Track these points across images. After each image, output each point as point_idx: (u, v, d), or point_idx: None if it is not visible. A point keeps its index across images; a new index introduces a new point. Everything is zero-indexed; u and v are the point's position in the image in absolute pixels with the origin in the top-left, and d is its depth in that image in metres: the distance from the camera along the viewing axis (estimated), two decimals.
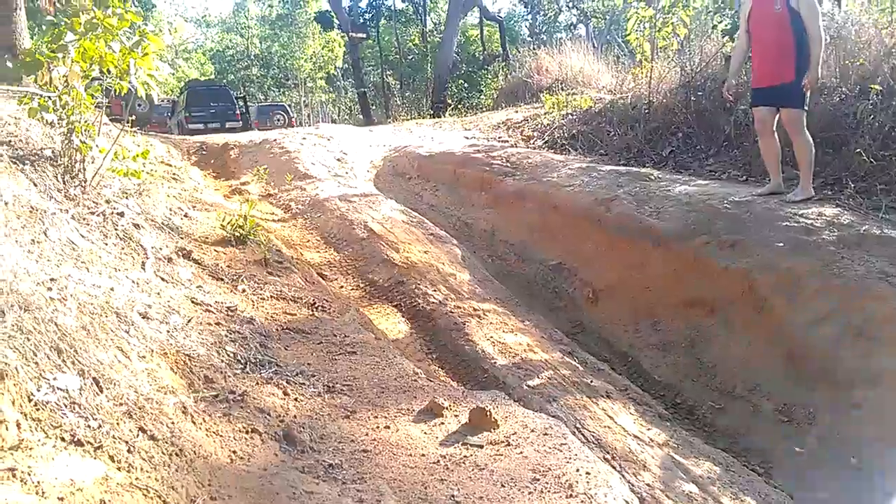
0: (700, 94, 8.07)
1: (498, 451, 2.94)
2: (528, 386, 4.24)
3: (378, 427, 3.05)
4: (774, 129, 5.78)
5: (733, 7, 9.31)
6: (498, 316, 5.45)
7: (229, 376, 3.17)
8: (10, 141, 4.50)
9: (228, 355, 3.39)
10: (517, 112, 12.31)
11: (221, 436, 2.63)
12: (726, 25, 8.50)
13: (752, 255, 5.09)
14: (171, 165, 7.84)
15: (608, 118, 9.06)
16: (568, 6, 32.50)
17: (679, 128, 8.04)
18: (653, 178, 6.64)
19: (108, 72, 4.53)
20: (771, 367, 4.67)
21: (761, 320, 4.88)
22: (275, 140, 10.79)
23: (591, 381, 4.47)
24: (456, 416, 3.17)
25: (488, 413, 3.07)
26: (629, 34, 9.59)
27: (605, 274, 5.99)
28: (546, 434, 3.05)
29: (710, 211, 5.70)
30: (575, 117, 9.86)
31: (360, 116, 28.38)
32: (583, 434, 3.74)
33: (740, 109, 7.32)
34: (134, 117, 6.06)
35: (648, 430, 4.09)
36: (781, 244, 5.02)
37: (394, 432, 3.02)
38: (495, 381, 4.42)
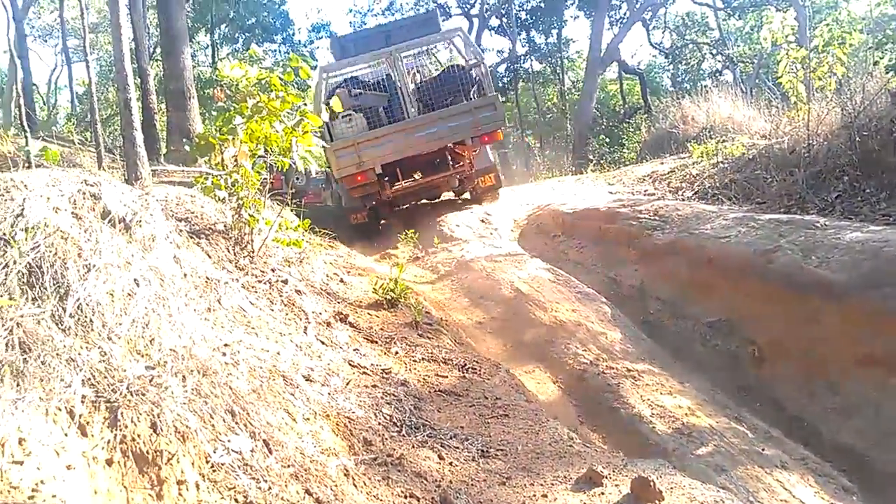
0: (865, 134, 7.50)
1: None
2: (694, 454, 3.99)
3: (535, 496, 2.96)
4: None
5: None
6: (653, 377, 5.22)
7: (386, 439, 3.22)
8: (187, 217, 4.92)
9: (385, 417, 3.45)
10: (662, 164, 11.99)
11: (381, 500, 2.66)
12: (890, 60, 7.89)
13: None
14: (325, 233, 8.28)
15: (763, 164, 8.58)
16: (712, 53, 31.63)
17: (844, 171, 7.47)
18: (819, 225, 6.17)
19: (272, 150, 4.89)
20: None
21: None
22: (420, 203, 11.15)
23: (763, 450, 4.13)
24: (616, 485, 3.02)
25: (652, 484, 2.89)
26: (781, 76, 9.13)
27: (770, 330, 5.58)
28: None
29: (888, 259, 5.20)
30: (726, 165, 9.44)
31: (502, 177, 28.76)
32: None
33: None
34: (294, 190, 6.47)
35: None
36: None
37: (551, 501, 2.91)
38: (655, 447, 4.20)
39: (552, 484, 3.05)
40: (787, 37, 8.81)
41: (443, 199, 11.48)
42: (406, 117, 9.64)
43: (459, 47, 10.99)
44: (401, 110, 9.79)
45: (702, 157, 10.52)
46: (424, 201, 11.98)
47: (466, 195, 11.93)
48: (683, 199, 9.03)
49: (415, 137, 9.47)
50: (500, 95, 10.70)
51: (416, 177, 9.88)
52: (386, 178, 9.72)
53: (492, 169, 10.96)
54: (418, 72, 11.35)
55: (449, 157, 9.90)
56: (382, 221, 11.47)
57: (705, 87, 18.62)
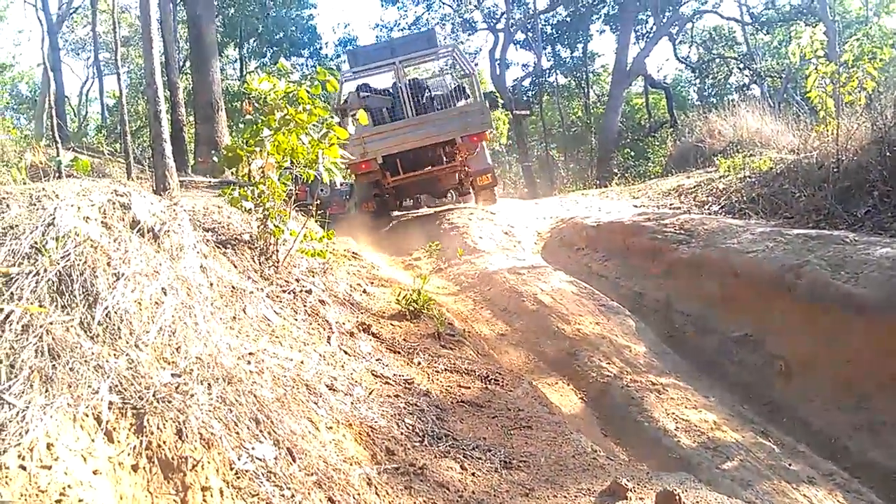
0: None
1: None
2: (719, 469, 3.95)
3: None
4: None
5: None
6: (678, 391, 5.17)
7: (409, 448, 3.22)
8: (214, 227, 4.98)
9: (407, 427, 3.45)
10: (688, 178, 11.90)
11: None
12: None
13: None
14: (349, 244, 8.33)
15: (792, 179, 8.48)
16: (739, 68, 31.43)
17: (874, 186, 7.37)
18: (848, 241, 6.07)
19: (298, 161, 4.93)
20: None
21: None
22: (444, 215, 11.18)
23: (790, 465, 4.07)
24: (641, 499, 2.99)
25: (677, 498, 2.86)
26: (809, 91, 9.03)
27: (797, 346, 5.49)
28: None
29: None
30: (754, 180, 9.35)
31: (526, 190, 28.76)
32: None
33: None
34: (318, 201, 6.54)
35: None
36: None
37: None
38: (679, 461, 4.16)
39: (576, 496, 3.02)
40: (816, 51, 8.72)
41: (462, 212, 11.48)
42: (405, 117, 11.45)
43: (457, 60, 13.30)
44: (402, 111, 11.64)
45: (729, 171, 10.44)
46: (444, 209, 12.32)
47: (469, 204, 13.31)
48: (710, 214, 8.95)
49: (412, 134, 11.17)
50: (487, 102, 12.35)
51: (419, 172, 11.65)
52: (387, 170, 11.43)
53: (489, 170, 12.35)
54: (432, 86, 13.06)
55: (443, 154, 11.59)
56: (392, 222, 12.25)
57: (732, 101, 18.46)
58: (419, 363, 4.61)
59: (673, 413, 4.77)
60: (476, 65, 34.72)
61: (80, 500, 2.05)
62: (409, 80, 12.58)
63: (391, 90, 12.30)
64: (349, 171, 11.28)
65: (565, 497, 3.02)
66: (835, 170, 7.95)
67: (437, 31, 19.86)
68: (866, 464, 4.44)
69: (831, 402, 4.99)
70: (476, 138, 11.36)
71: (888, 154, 7.36)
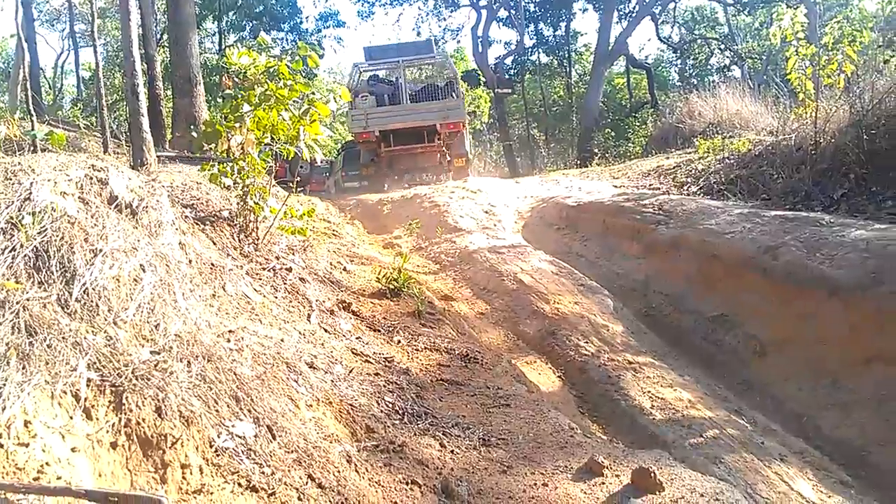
0: (874, 132, 7.47)
1: None
2: (693, 445, 4.01)
3: (535, 484, 2.98)
4: None
5: None
6: (654, 369, 5.24)
7: (389, 426, 3.24)
8: (193, 204, 4.94)
9: (387, 405, 3.47)
10: (668, 158, 11.97)
11: (383, 486, 2.69)
12: None
13: None
14: (329, 222, 8.29)
15: (770, 161, 8.57)
16: (720, 49, 31.50)
17: (851, 169, 7.46)
18: (824, 222, 6.16)
19: (278, 138, 4.89)
20: None
21: None
22: (424, 195, 11.15)
23: (763, 442, 4.15)
24: (617, 475, 3.04)
25: (652, 474, 2.91)
26: (789, 73, 9.08)
27: (772, 327, 5.58)
28: (717, 499, 2.86)
29: (893, 257, 5.19)
30: (733, 161, 9.43)
31: (507, 169, 28.72)
32: (755, 500, 3.47)
33: None
34: (299, 178, 6.49)
35: (829, 497, 3.73)
36: None
37: (552, 490, 2.93)
38: (655, 438, 4.22)
39: (553, 473, 3.06)
40: (796, 33, 8.76)
41: (444, 191, 11.46)
42: (401, 103, 14.89)
43: (444, 64, 18.17)
44: (400, 99, 15.06)
45: (708, 152, 10.50)
46: (427, 193, 12.34)
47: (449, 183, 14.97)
48: (688, 194, 9.03)
49: (404, 117, 14.59)
50: (464, 99, 16.31)
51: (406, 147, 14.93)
52: (383, 141, 14.72)
53: (464, 155, 15.62)
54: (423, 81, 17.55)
55: (426, 136, 14.64)
56: (374, 199, 12.24)
57: (713, 82, 18.55)
58: (399, 341, 4.63)
59: (649, 391, 4.84)
60: (458, 42, 34.69)
61: (59, 478, 2.04)
62: (419, 84, 16.84)
63: (393, 81, 16.07)
64: (356, 138, 15.09)
65: (542, 474, 3.06)
66: (812, 152, 8.03)
67: (432, 39, 23.88)
68: (837, 442, 4.53)
69: (804, 381, 5.08)
70: (453, 126, 14.71)
71: (865, 137, 7.44)
